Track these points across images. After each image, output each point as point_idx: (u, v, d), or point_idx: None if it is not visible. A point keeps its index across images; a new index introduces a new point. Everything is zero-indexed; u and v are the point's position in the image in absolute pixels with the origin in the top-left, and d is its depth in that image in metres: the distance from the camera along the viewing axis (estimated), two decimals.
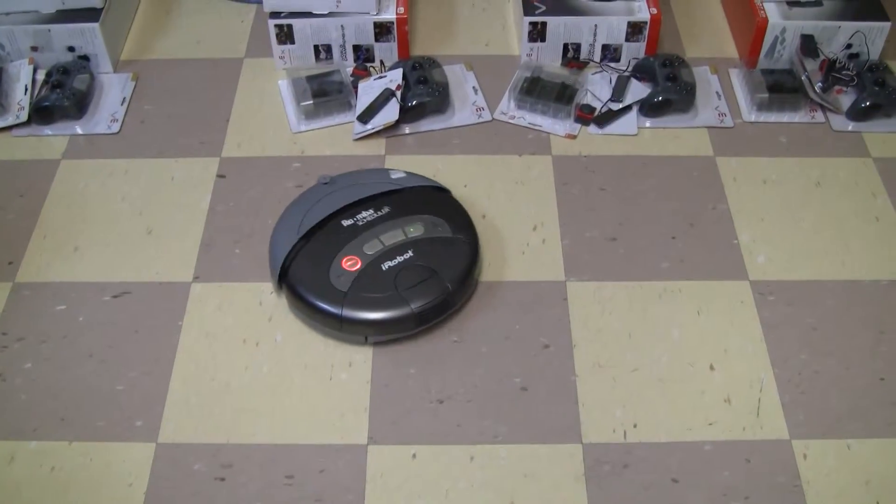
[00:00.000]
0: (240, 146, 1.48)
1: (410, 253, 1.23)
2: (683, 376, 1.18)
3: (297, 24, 1.56)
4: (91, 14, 1.57)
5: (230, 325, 1.25)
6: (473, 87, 1.57)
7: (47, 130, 1.52)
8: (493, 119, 1.52)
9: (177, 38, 1.70)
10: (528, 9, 1.58)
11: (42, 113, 1.51)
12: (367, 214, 1.28)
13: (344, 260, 1.22)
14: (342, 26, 1.56)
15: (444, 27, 1.71)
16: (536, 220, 1.37)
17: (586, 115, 1.51)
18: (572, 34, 1.58)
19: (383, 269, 1.22)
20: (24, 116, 1.51)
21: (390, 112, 1.48)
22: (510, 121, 1.52)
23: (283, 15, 1.56)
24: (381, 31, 1.57)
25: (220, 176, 1.44)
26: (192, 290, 1.29)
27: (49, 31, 1.56)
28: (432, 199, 1.32)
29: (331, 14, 1.56)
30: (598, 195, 1.40)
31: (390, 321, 1.19)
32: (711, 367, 1.19)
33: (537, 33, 1.58)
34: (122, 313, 1.26)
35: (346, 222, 1.27)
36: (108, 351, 1.22)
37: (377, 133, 1.49)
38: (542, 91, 1.53)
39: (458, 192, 1.40)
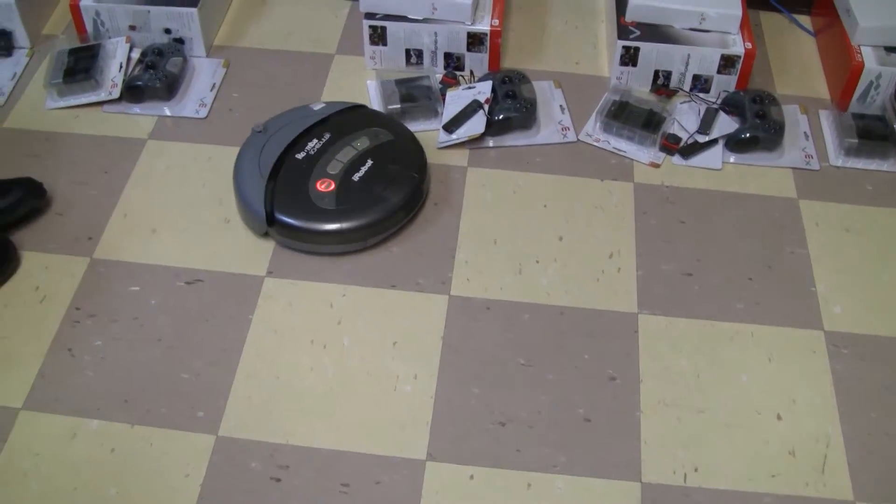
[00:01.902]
0: None
1: (370, 161, 1.38)
2: (749, 423, 1.17)
3: (391, 26, 1.56)
4: None
5: (299, 324, 1.25)
6: (560, 106, 1.56)
7: (136, 109, 1.54)
8: (578, 140, 1.51)
9: (270, 27, 1.71)
10: (622, 32, 1.57)
11: (134, 92, 1.53)
12: (313, 144, 1.40)
13: (318, 184, 1.34)
14: (436, 33, 1.56)
15: (536, 42, 1.70)
16: (613, 247, 1.35)
17: (671, 145, 1.49)
18: (664, 61, 1.57)
19: (355, 180, 1.35)
20: (116, 93, 1.54)
21: (477, 124, 1.47)
22: (595, 143, 1.51)
23: (378, 16, 1.56)
24: (474, 41, 1.57)
25: None
26: (264, 285, 1.29)
27: (148, 12, 1.58)
28: (358, 116, 1.46)
29: (425, 20, 1.56)
30: (677, 228, 1.39)
31: (383, 220, 1.33)
32: (778, 417, 1.17)
33: (629, 57, 1.57)
34: (194, 301, 1.28)
35: (298, 155, 1.38)
36: (176, 337, 1.23)
37: (461, 143, 1.48)
38: (629, 116, 1.51)
39: (538, 213, 1.39)
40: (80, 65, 1.54)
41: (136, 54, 1.60)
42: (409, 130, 1.45)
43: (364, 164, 1.37)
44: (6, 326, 1.24)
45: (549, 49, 1.69)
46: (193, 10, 1.57)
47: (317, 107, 1.46)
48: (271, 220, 1.32)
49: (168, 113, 1.53)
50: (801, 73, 1.67)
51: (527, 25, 1.74)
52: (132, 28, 1.60)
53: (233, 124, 1.51)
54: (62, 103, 1.53)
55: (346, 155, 1.38)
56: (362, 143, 1.40)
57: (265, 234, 1.35)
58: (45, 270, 1.30)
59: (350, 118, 1.45)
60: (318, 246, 1.33)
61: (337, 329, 1.25)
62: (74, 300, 1.27)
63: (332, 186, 1.34)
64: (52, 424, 1.14)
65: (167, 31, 1.60)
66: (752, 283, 1.32)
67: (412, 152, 1.41)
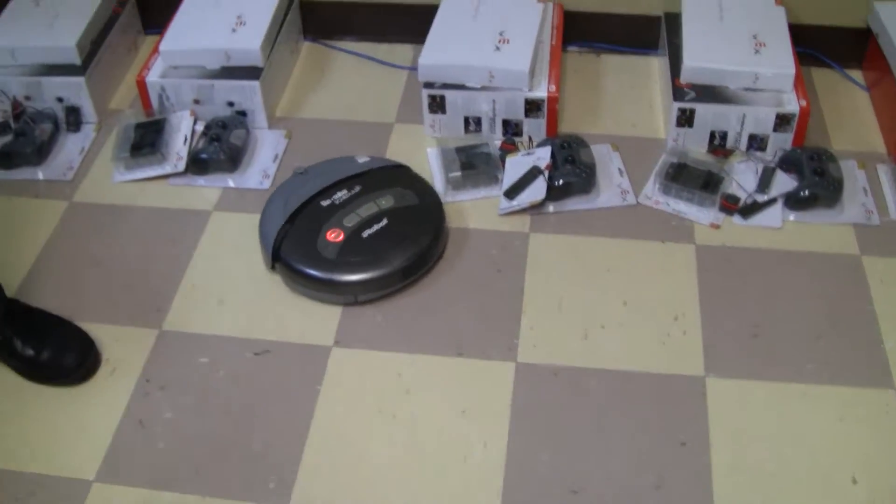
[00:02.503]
0: None
1: (386, 221, 1.41)
2: (823, 486, 1.15)
3: (449, 95, 1.59)
4: (252, 72, 1.62)
5: (368, 394, 1.26)
6: (619, 169, 1.57)
7: (201, 181, 1.57)
8: (638, 203, 1.52)
9: (330, 97, 1.74)
10: (677, 94, 1.58)
11: (199, 164, 1.56)
12: (341, 194, 1.44)
13: (328, 233, 1.39)
14: (494, 100, 1.58)
15: (592, 105, 1.72)
16: (677, 310, 1.35)
17: (731, 205, 1.49)
18: (720, 122, 1.57)
19: (364, 236, 1.39)
20: (181, 166, 1.57)
21: (537, 190, 1.48)
22: (654, 206, 1.51)
23: (436, 85, 1.59)
24: (532, 107, 1.58)
25: None
26: (332, 355, 1.31)
27: (212, 86, 1.62)
28: (396, 175, 1.50)
29: (483, 88, 1.58)
30: (740, 288, 1.38)
31: (377, 279, 1.36)
32: (854, 481, 1.15)
33: (685, 119, 1.58)
34: (263, 372, 1.29)
35: (324, 202, 1.43)
36: (246, 408, 1.25)
37: (522, 210, 1.49)
38: (687, 178, 1.52)
39: (601, 277, 1.40)
40: (147, 139, 1.58)
41: (200, 127, 1.63)
42: (437, 197, 1.47)
43: (379, 223, 1.40)
44: (78, 398, 1.26)
45: (605, 112, 1.70)
46: (255, 83, 1.61)
47: (361, 159, 1.50)
48: (277, 258, 1.37)
49: (232, 184, 1.56)
50: (857, 127, 1.67)
51: (582, 89, 1.76)
52: (196, 102, 1.64)
53: None
54: (129, 176, 1.57)
55: (367, 210, 1.42)
56: (386, 202, 1.43)
57: (273, 269, 1.40)
58: (116, 342, 1.32)
59: (387, 175, 1.49)
60: (312, 292, 1.37)
61: (406, 398, 1.25)
62: (144, 371, 1.29)
63: (341, 237, 1.38)
64: (124, 497, 1.15)
65: (230, 104, 1.64)
66: (820, 342, 1.31)
67: (432, 219, 1.43)
